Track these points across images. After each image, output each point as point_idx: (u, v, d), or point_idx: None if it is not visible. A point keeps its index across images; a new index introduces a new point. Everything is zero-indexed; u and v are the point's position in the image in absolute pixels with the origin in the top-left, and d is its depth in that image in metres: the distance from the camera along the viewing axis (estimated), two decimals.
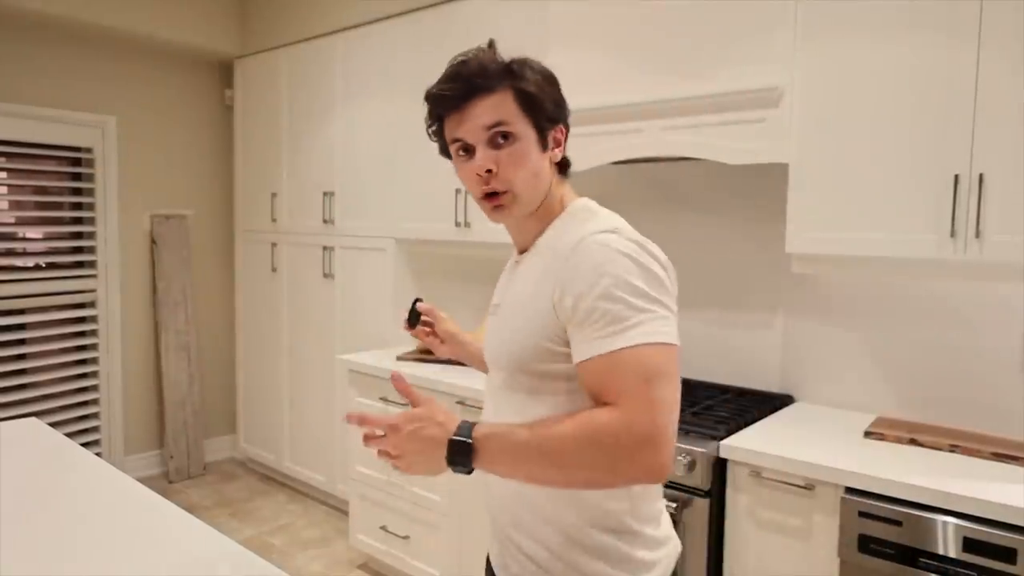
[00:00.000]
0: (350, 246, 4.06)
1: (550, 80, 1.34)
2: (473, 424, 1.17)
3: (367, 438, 1.23)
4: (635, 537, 1.28)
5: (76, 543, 1.54)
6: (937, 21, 2.10)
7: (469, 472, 1.17)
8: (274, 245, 4.59)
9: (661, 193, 3.14)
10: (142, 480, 2.05)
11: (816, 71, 2.34)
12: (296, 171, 4.41)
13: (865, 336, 2.63)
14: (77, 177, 4.48)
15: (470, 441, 1.15)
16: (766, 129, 2.41)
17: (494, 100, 1.26)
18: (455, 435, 1.15)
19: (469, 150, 1.29)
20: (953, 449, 2.18)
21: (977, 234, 2.05)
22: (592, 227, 1.25)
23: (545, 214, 1.36)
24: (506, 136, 1.26)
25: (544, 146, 1.32)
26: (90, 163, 4.47)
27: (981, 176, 2.04)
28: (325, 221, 4.18)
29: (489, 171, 1.27)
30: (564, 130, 1.37)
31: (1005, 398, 2.36)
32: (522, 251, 1.41)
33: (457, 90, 1.28)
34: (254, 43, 4.66)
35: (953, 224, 2.09)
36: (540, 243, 1.35)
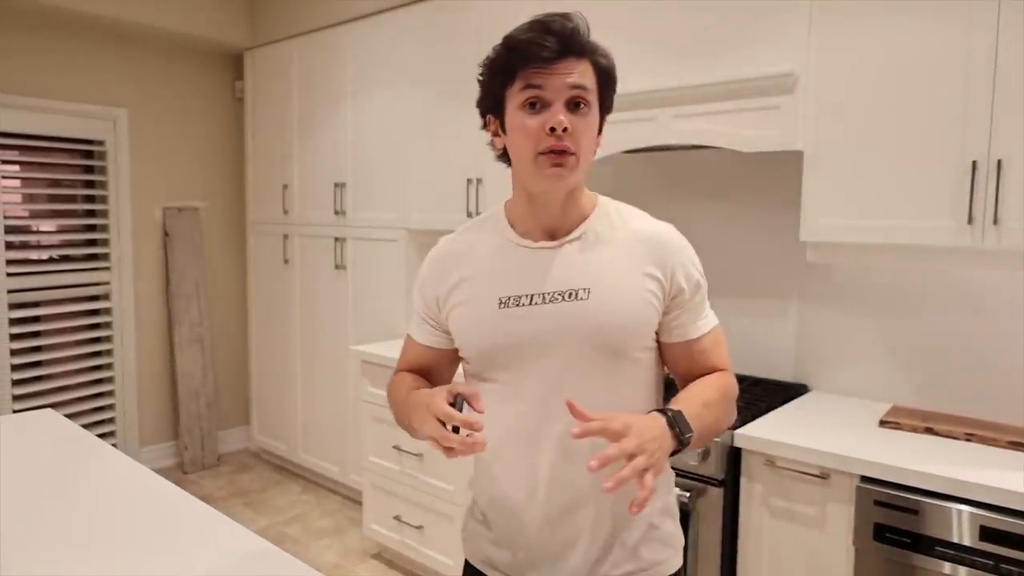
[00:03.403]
0: (362, 237, 4.06)
1: (615, 68, 1.35)
2: (675, 412, 1.23)
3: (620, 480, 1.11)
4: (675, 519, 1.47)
5: (94, 533, 1.54)
6: (954, 5, 2.08)
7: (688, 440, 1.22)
8: (286, 237, 4.59)
9: (674, 181, 3.12)
10: (157, 471, 2.06)
11: (830, 57, 2.32)
12: (307, 162, 4.41)
13: (880, 324, 2.62)
14: (89, 170, 4.49)
15: (690, 435, 1.22)
16: (780, 116, 2.40)
17: (582, 66, 1.26)
18: (675, 428, 1.21)
19: (539, 104, 1.25)
20: (969, 438, 2.16)
21: (995, 221, 2.03)
22: (659, 221, 1.40)
23: (581, 202, 1.37)
24: (583, 103, 1.26)
25: (599, 127, 1.33)
26: (102, 155, 4.48)
27: (999, 162, 2.02)
28: (337, 212, 4.18)
29: (565, 129, 1.23)
30: (606, 121, 1.37)
31: (1022, 387, 2.34)
32: (549, 235, 1.35)
33: (552, 43, 1.23)
34: (264, 34, 4.66)
35: (971, 211, 2.07)
36: (592, 227, 1.36)
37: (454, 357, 1.49)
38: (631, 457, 1.10)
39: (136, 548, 1.48)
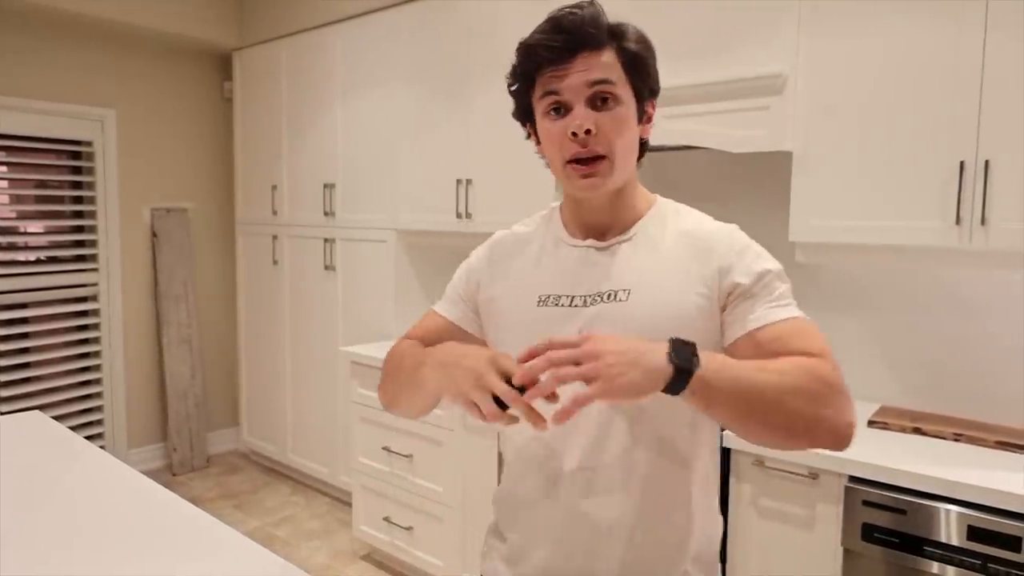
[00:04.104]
0: (351, 238, 4.05)
1: (651, 48, 1.23)
2: (693, 346, 1.03)
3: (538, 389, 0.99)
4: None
5: (81, 536, 1.53)
6: (943, 6, 2.09)
7: (689, 377, 0.99)
8: (275, 238, 4.58)
9: (663, 182, 3.12)
10: (145, 473, 2.05)
11: (820, 58, 2.32)
12: (296, 163, 4.40)
13: (868, 324, 2.63)
14: (77, 171, 4.47)
15: (696, 360, 1.00)
16: (769, 117, 2.40)
17: (601, 57, 1.16)
18: (672, 351, 1.00)
19: (563, 108, 1.17)
20: (957, 438, 2.17)
21: (983, 221, 2.04)
22: (711, 219, 1.30)
23: (632, 201, 1.28)
24: (608, 97, 1.16)
25: (640, 117, 1.23)
26: (90, 156, 4.45)
27: (987, 163, 2.03)
28: (326, 213, 4.17)
29: (588, 132, 1.15)
30: (654, 106, 1.26)
31: (1010, 387, 2.35)
32: (598, 234, 1.27)
33: (561, 41, 1.15)
34: (253, 35, 4.64)
35: (958, 211, 2.08)
36: (644, 229, 1.26)
37: (471, 343, 1.32)
38: (578, 364, 0.97)
39: (124, 551, 1.47)
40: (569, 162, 1.18)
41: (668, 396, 1.00)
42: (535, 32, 1.19)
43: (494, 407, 1.02)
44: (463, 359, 1.10)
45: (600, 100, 1.16)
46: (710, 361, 1.01)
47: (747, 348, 1.15)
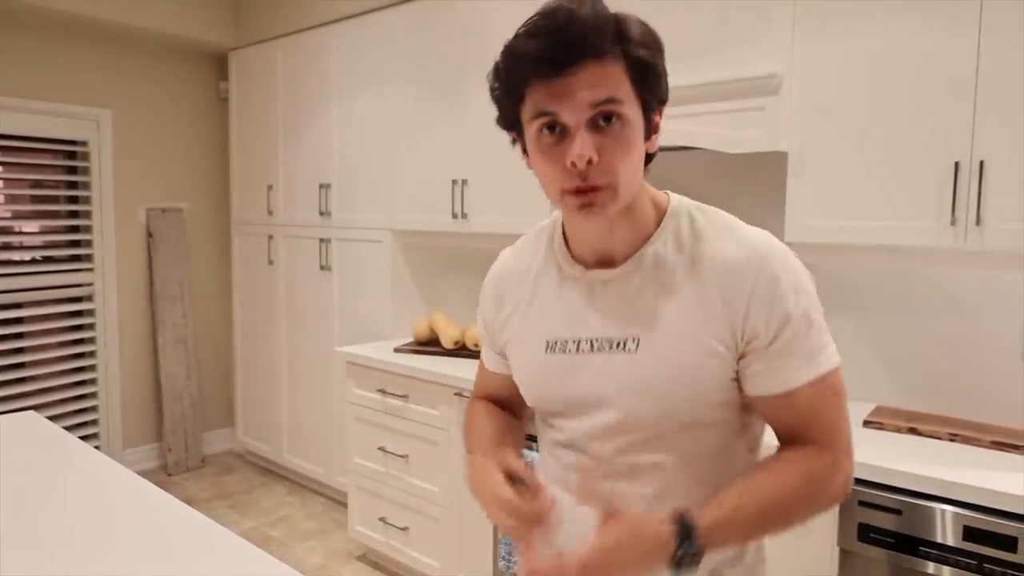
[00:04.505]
0: (347, 238, 4.05)
1: (659, 45, 1.05)
2: (689, 519, 1.00)
3: None
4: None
5: (76, 537, 1.53)
6: (938, 6, 2.09)
7: (696, 562, 0.99)
8: (270, 238, 4.57)
9: (658, 183, 3.11)
10: (140, 473, 2.04)
11: (815, 58, 2.32)
12: (292, 163, 4.39)
13: (864, 324, 2.63)
14: (72, 171, 4.46)
15: (699, 547, 0.99)
16: (765, 117, 2.41)
17: (604, 69, 0.98)
18: (679, 546, 0.98)
19: (558, 129, 1.00)
20: (953, 438, 2.18)
21: (978, 221, 2.04)
22: (747, 234, 1.09)
23: (639, 215, 1.12)
24: (613, 116, 0.99)
25: (647, 133, 1.06)
26: (85, 156, 4.45)
27: (982, 163, 2.03)
28: (322, 213, 4.17)
29: (590, 162, 0.98)
30: (662, 114, 1.09)
31: (1005, 387, 2.36)
32: (603, 263, 1.14)
33: (557, 50, 0.96)
34: (248, 35, 4.63)
35: (953, 212, 2.08)
36: (656, 251, 1.11)
37: None
38: None
39: (119, 552, 1.47)
40: (567, 192, 1.03)
41: (717, 434, 1.10)
42: (524, 34, 1.00)
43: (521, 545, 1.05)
44: (481, 505, 1.11)
45: (605, 119, 0.99)
46: (711, 533, 1.00)
47: (767, 408, 1.10)
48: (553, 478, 1.20)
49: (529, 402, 1.26)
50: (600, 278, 1.13)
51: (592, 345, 1.13)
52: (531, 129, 1.03)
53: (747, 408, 1.12)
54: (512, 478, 1.07)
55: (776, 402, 1.07)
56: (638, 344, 1.09)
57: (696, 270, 1.07)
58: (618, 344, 1.10)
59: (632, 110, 1.01)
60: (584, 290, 1.15)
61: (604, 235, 1.11)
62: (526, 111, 1.03)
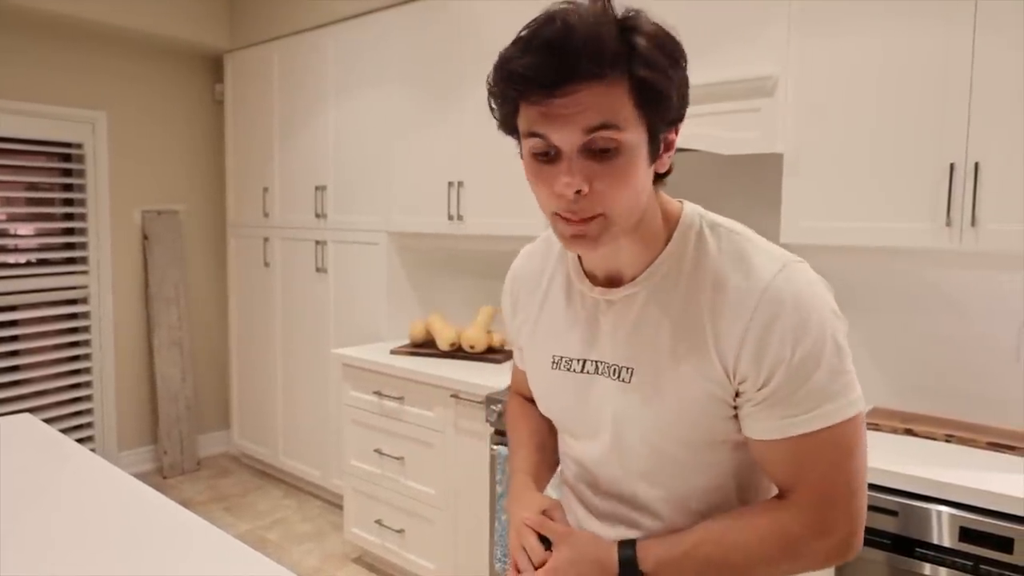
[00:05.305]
0: (343, 240, 4.04)
1: (676, 58, 0.95)
2: (634, 549, 1.02)
3: None
4: None
5: (72, 540, 1.52)
6: (933, 7, 2.10)
7: None
8: (266, 240, 4.57)
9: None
10: (136, 476, 2.04)
11: (810, 59, 2.33)
12: (288, 165, 4.39)
13: (860, 326, 2.63)
14: (68, 173, 4.45)
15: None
16: (760, 119, 2.41)
17: (603, 91, 0.88)
18: (620, 573, 1.00)
19: (551, 154, 0.93)
20: (949, 439, 2.18)
21: (973, 222, 2.05)
22: (758, 263, 0.99)
23: (647, 232, 1.04)
24: (610, 147, 0.90)
25: (654, 155, 0.97)
26: (80, 159, 4.44)
27: (977, 164, 2.03)
28: (317, 215, 4.16)
29: (579, 192, 0.91)
30: (678, 131, 1.02)
31: (1001, 387, 2.36)
32: (611, 282, 1.09)
33: (549, 70, 0.87)
34: (244, 37, 4.63)
35: (949, 213, 2.08)
36: (658, 271, 1.04)
37: None
38: None
39: (114, 555, 1.46)
40: (557, 215, 0.96)
41: (720, 457, 1.06)
42: (517, 45, 0.92)
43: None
44: (511, 515, 1.18)
45: (601, 147, 0.90)
46: (657, 570, 1.00)
47: (754, 450, 1.03)
48: (566, 488, 1.26)
49: (539, 407, 1.26)
50: (606, 298, 1.08)
51: (597, 367, 1.10)
52: (524, 146, 0.96)
53: (744, 447, 1.06)
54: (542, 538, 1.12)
55: (765, 448, 1.00)
56: (632, 375, 1.05)
57: (695, 300, 1.00)
58: (614, 371, 1.07)
59: (634, 135, 0.92)
60: (590, 309, 1.11)
61: (610, 254, 1.05)
62: (520, 124, 0.96)
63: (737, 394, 0.99)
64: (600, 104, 0.88)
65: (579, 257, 1.14)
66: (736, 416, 1.02)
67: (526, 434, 1.34)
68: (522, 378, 1.37)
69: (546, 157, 0.93)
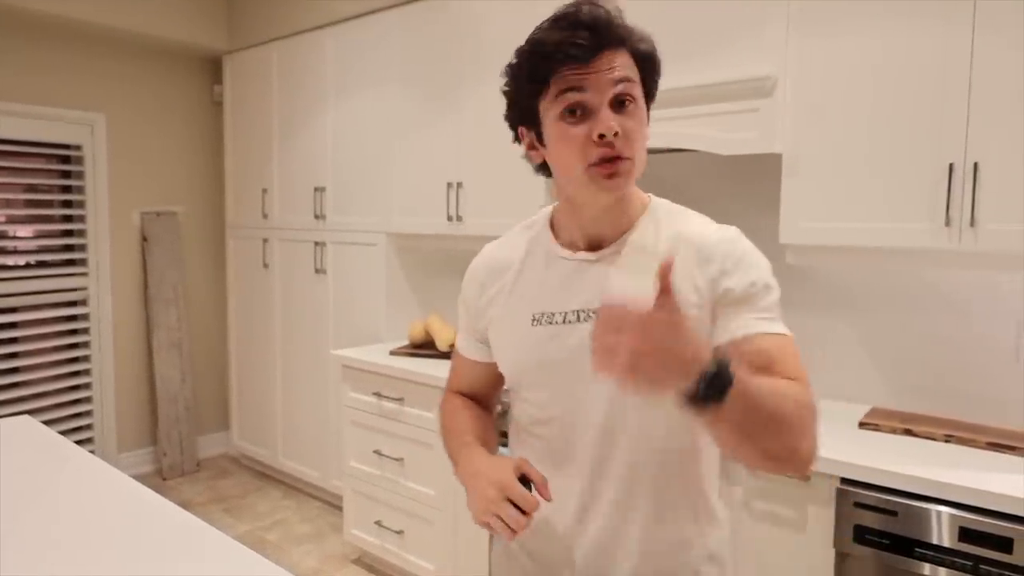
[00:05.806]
0: (342, 241, 4.04)
1: (655, 48, 1.20)
2: (728, 359, 0.97)
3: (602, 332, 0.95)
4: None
5: (71, 541, 1.52)
6: (932, 7, 2.10)
7: (717, 400, 0.94)
8: (265, 241, 4.57)
9: (652, 185, 3.11)
10: (135, 477, 2.04)
11: (809, 60, 2.33)
12: (287, 166, 4.39)
13: (859, 326, 2.63)
14: (67, 175, 4.45)
15: (728, 379, 0.94)
16: (759, 119, 2.41)
17: (622, 57, 1.13)
18: (711, 367, 0.94)
19: (580, 111, 1.11)
20: (948, 439, 2.18)
21: (972, 223, 2.05)
22: (712, 224, 1.25)
23: (628, 205, 1.24)
24: (628, 99, 1.12)
25: (647, 117, 1.19)
26: (79, 160, 4.44)
27: (976, 164, 2.03)
28: (316, 216, 4.16)
29: (617, 134, 1.09)
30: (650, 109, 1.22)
31: (1000, 388, 2.36)
32: (592, 247, 1.23)
33: (586, 38, 1.09)
34: (243, 38, 4.63)
35: (948, 213, 2.08)
36: (639, 236, 1.22)
37: (501, 374, 1.37)
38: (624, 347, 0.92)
39: (114, 556, 1.46)
40: (593, 165, 1.12)
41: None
42: (547, 30, 1.13)
43: (513, 525, 1.10)
44: (476, 480, 1.18)
45: (621, 102, 1.12)
46: (740, 386, 0.95)
47: (749, 347, 1.11)
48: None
49: (509, 372, 1.32)
50: (587, 259, 1.23)
51: (579, 316, 1.20)
52: (552, 112, 1.13)
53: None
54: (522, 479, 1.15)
55: (745, 345, 1.11)
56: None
57: (675, 246, 1.18)
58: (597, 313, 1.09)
59: (640, 95, 1.15)
60: (572, 270, 1.24)
61: (601, 218, 1.21)
62: (548, 96, 1.13)
63: (714, 315, 1.15)
64: (623, 64, 1.12)
65: (555, 234, 1.29)
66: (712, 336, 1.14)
67: (470, 419, 1.40)
68: (465, 371, 1.46)
69: (574, 117, 1.12)
